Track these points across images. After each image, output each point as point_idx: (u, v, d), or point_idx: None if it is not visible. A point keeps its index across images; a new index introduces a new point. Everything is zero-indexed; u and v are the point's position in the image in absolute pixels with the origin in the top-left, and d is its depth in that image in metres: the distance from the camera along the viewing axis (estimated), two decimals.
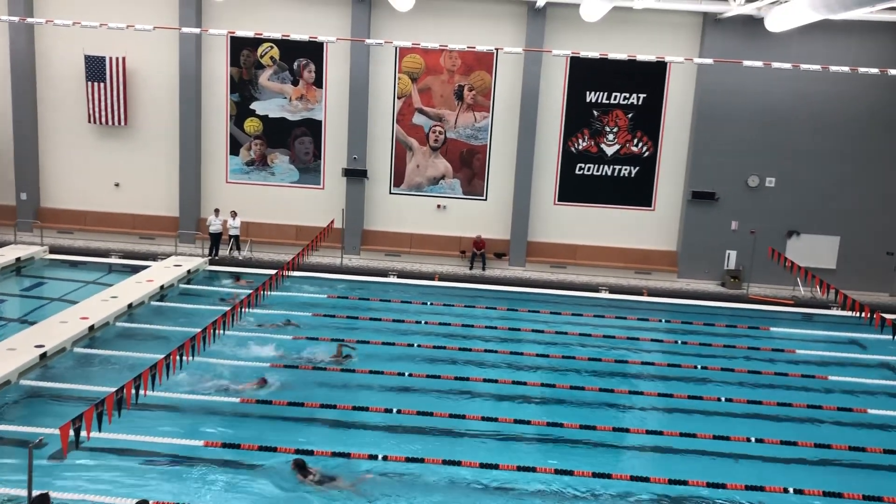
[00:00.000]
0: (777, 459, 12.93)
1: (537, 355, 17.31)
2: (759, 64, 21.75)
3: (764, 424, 14.34)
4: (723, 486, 11.75)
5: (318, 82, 25.18)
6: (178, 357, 12.33)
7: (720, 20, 23.43)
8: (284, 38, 22.88)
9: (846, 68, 21.54)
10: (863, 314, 17.87)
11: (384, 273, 23.84)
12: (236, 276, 22.62)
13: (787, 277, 23.39)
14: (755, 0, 21.16)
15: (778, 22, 21.43)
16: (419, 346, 17.57)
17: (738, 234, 24.53)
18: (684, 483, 11.79)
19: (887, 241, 24.30)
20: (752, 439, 13.47)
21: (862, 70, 21.54)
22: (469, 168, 25.36)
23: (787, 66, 21.55)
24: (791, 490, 11.71)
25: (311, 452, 12.09)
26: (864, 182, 24.06)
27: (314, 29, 23.75)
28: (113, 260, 23.46)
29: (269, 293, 17.86)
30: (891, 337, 17.30)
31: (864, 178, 24.04)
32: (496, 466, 11.99)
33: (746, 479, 11.97)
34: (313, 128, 25.46)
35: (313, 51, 24.80)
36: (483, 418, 13.77)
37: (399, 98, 25.09)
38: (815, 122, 23.87)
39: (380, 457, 12.09)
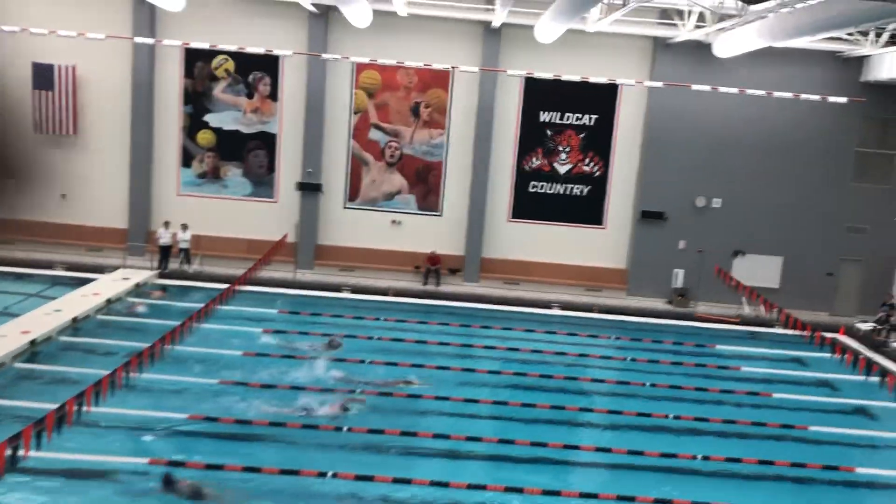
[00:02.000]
0: (722, 475, 13.22)
1: (489, 372, 17.41)
2: (706, 88, 22.33)
3: (710, 441, 14.64)
4: (669, 503, 11.96)
5: (274, 96, 25.07)
6: (123, 374, 12.13)
7: (670, 45, 24.01)
8: (240, 50, 22.79)
9: (789, 94, 22.28)
10: (804, 332, 18.43)
11: (338, 288, 23.74)
12: (162, 288, 22.33)
13: (733, 296, 23.97)
14: (703, 26, 21.75)
15: (725, 48, 22.06)
16: (371, 362, 17.52)
17: (685, 253, 25.05)
18: (632, 499, 11.97)
19: (827, 261, 25.06)
20: (699, 456, 13.74)
21: (804, 96, 22.31)
22: (424, 184, 25.46)
23: (734, 90, 22.19)
24: None
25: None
26: (805, 204, 24.80)
27: (270, 42, 23.67)
28: (57, 272, 22.91)
29: (219, 307, 17.69)
30: (830, 355, 17.85)
31: (805, 200, 24.78)
32: (447, 484, 12.02)
33: (693, 495, 12.20)
34: (268, 141, 25.31)
35: (269, 64, 24.69)
36: (435, 435, 13.78)
37: (355, 113, 25.10)
38: (759, 146, 24.56)
39: (329, 474, 12.02)
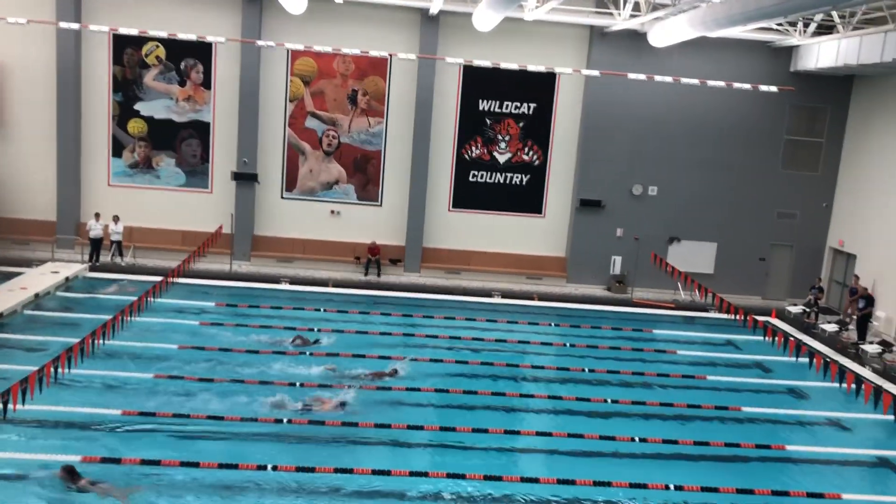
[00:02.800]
0: (660, 457, 13.45)
1: (431, 360, 17.36)
2: (642, 77, 22.64)
3: (648, 424, 14.89)
4: (608, 485, 12.12)
5: (207, 83, 24.48)
6: (52, 369, 11.69)
7: (606, 34, 24.27)
8: (171, 37, 22.16)
9: (722, 83, 22.75)
10: (737, 316, 18.89)
11: (276, 280, 23.38)
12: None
13: (669, 282, 24.46)
14: (639, 16, 22.03)
15: (660, 37, 22.40)
16: (311, 354, 17.30)
17: (623, 240, 25.43)
18: (572, 483, 12.08)
19: (760, 247, 25.76)
20: (637, 438, 13.95)
21: (736, 85, 22.82)
22: (363, 173, 25.23)
23: (669, 79, 22.56)
24: (672, 486, 12.19)
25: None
26: (738, 191, 25.42)
27: (202, 29, 23.09)
28: None
29: (153, 300, 17.22)
30: (762, 338, 18.34)
31: (738, 187, 25.41)
32: (388, 472, 11.94)
33: (631, 477, 12.39)
34: (201, 130, 24.72)
35: (202, 51, 24.10)
36: (377, 425, 13.69)
37: (291, 101, 24.70)
38: (693, 134, 25.07)
39: (269, 467, 11.82)
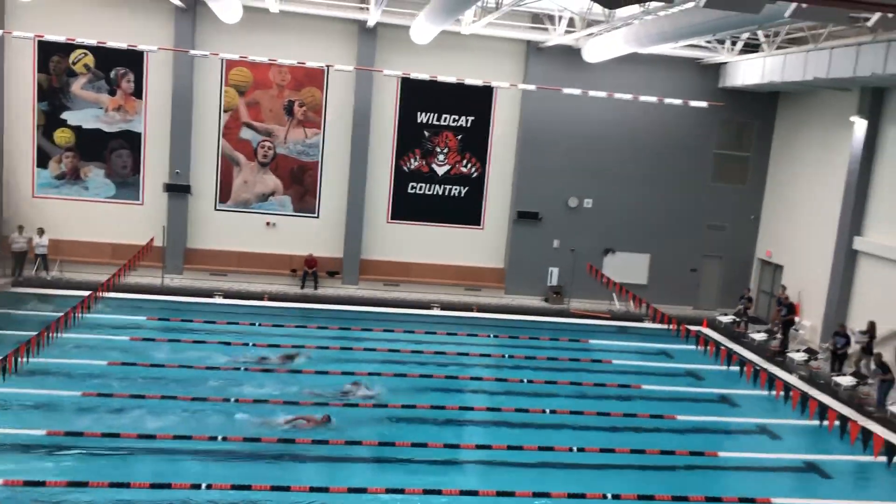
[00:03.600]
0: (597, 466, 13.60)
1: (370, 374, 17.22)
2: (577, 92, 23.03)
3: (585, 433, 15.05)
4: (547, 496, 12.18)
5: (138, 93, 23.89)
6: None
7: (542, 49, 24.61)
8: (100, 45, 21.55)
9: (654, 98, 23.31)
10: (670, 326, 19.31)
11: (209, 293, 22.89)
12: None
13: (604, 292, 24.84)
14: (573, 31, 22.40)
15: (594, 53, 22.84)
16: (246, 369, 16.98)
17: (559, 252, 25.73)
18: (512, 494, 12.11)
19: (691, 258, 26.39)
20: (575, 448, 14.09)
21: (667, 100, 23.40)
22: (300, 185, 24.95)
23: (603, 94, 23.00)
24: (609, 496, 12.33)
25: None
26: (670, 204, 26.01)
27: (134, 37, 22.52)
28: None
29: (80, 316, 16.68)
30: (694, 347, 18.78)
31: (670, 200, 26.00)
32: (326, 489, 11.77)
33: (569, 487, 12.48)
34: (132, 140, 24.08)
35: (133, 60, 23.51)
36: (314, 442, 13.49)
37: (225, 111, 24.29)
38: (628, 148, 25.57)
39: (203, 486, 11.51)
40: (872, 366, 18.14)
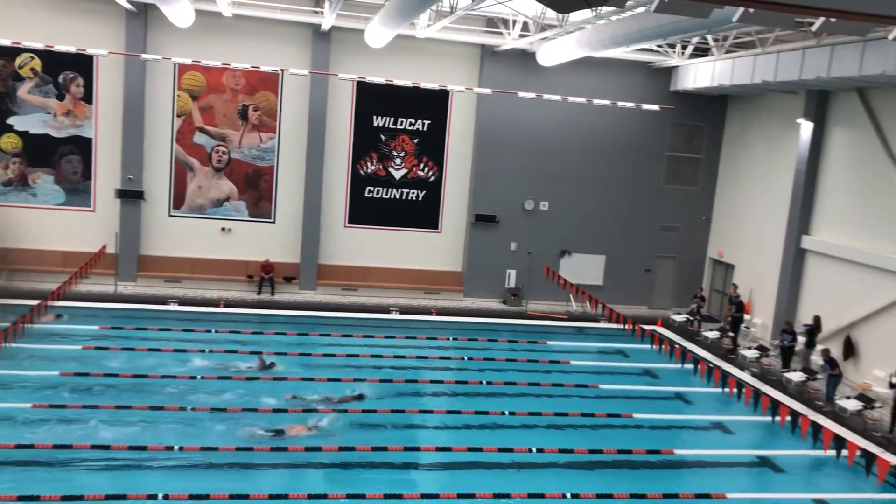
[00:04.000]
0: (556, 466, 13.73)
1: (328, 380, 17.13)
2: (532, 95, 23.24)
3: (544, 434, 15.18)
4: (507, 497, 12.26)
5: (88, 97, 23.44)
6: None
7: (497, 53, 24.78)
8: (48, 48, 21.11)
9: (607, 102, 23.64)
10: (626, 326, 19.60)
11: (164, 301, 22.54)
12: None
13: (561, 294, 25.10)
14: (528, 35, 22.60)
15: (548, 57, 23.08)
16: (202, 377, 16.75)
17: (517, 254, 25.92)
18: (472, 496, 12.16)
19: (645, 259, 26.80)
20: (534, 449, 14.20)
21: (620, 104, 23.76)
22: (255, 190, 24.72)
23: (557, 97, 23.26)
24: (568, 495, 12.46)
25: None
26: (624, 206, 26.39)
27: (83, 41, 22.10)
28: None
29: (30, 325, 16.30)
30: (650, 346, 19.08)
31: (624, 202, 26.37)
32: (286, 496, 11.68)
33: (529, 487, 12.58)
34: (82, 146, 23.62)
35: (82, 64, 23.06)
36: (272, 449, 13.37)
37: (178, 116, 23.96)
38: (582, 151, 25.88)
39: (160, 496, 11.34)
40: (820, 361, 18.62)
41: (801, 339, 20.24)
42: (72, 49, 21.16)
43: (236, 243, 24.71)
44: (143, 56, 22.30)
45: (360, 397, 16.11)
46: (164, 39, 23.21)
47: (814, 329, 20.20)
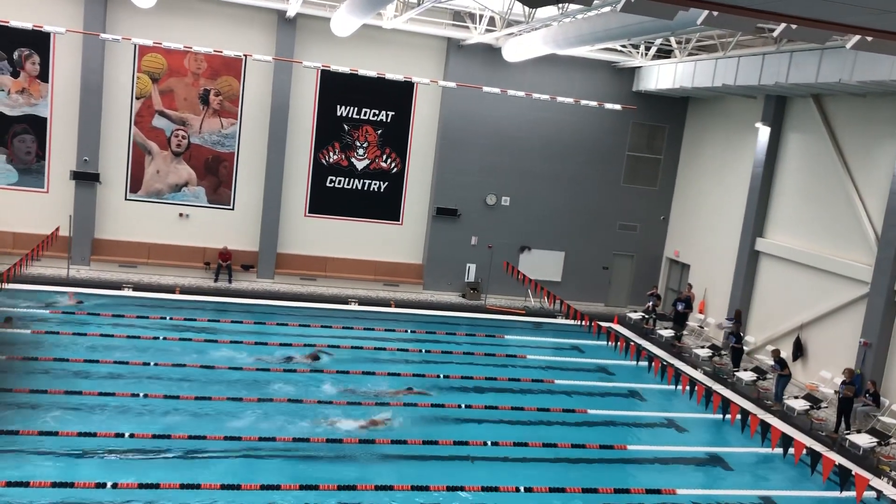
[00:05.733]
0: (510, 460, 13.81)
1: (284, 370, 17.00)
2: (496, 90, 23.29)
3: (499, 427, 15.26)
4: (461, 489, 12.31)
5: (44, 76, 22.86)
6: None
7: (463, 46, 24.77)
8: (3, 24, 20.52)
9: (570, 100, 23.80)
10: (583, 322, 19.79)
11: (118, 286, 22.14)
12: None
13: (520, 289, 25.26)
14: (494, 31, 22.64)
15: (513, 52, 23.13)
16: (156, 364, 16.50)
17: (477, 248, 25.99)
18: (426, 489, 12.18)
19: (603, 256, 27.08)
20: (489, 442, 14.27)
21: (583, 102, 23.94)
22: (215, 176, 24.38)
23: (521, 94, 23.35)
24: (522, 489, 12.56)
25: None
26: (584, 203, 26.62)
27: (40, 17, 21.55)
28: None
29: None
30: (606, 343, 19.30)
31: (584, 199, 26.60)
32: (238, 487, 11.58)
33: (483, 480, 12.64)
34: (37, 125, 23.03)
35: (38, 41, 22.47)
36: (226, 438, 13.24)
37: (138, 98, 23.51)
38: (544, 148, 26.01)
39: (108, 484, 11.15)
40: (771, 361, 19.03)
41: (720, 329, 22.17)
42: (28, 25, 20.60)
43: (194, 229, 24.35)
44: (103, 35, 21.81)
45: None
46: (125, 19, 22.73)
47: (736, 322, 21.43)
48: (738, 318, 21.57)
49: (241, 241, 24.66)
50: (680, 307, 23.26)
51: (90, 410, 13.79)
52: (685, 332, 23.04)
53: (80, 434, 12.70)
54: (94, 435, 12.76)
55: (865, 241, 18.47)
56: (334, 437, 13.77)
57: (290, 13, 22.86)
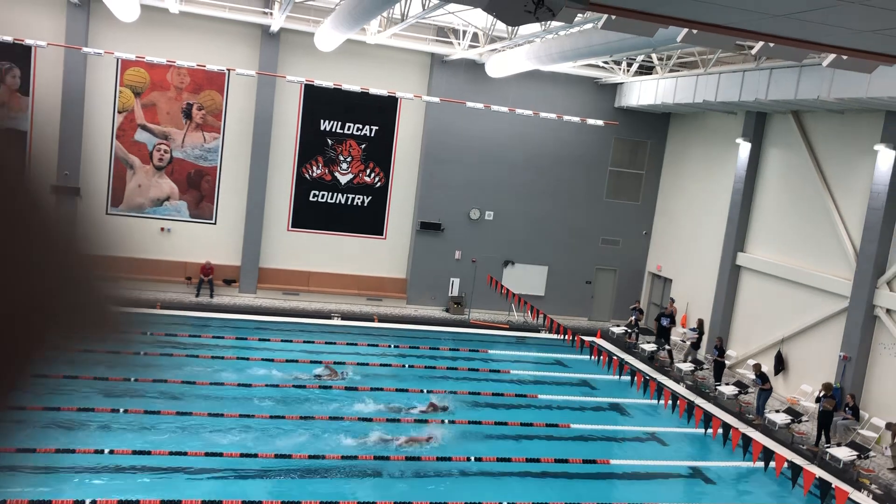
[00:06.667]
0: (493, 474, 13.78)
1: (266, 385, 16.90)
2: (480, 106, 23.40)
3: (483, 442, 15.23)
4: None
5: (25, 89, 22.73)
6: None
7: (446, 62, 24.89)
8: None
9: (553, 115, 23.95)
10: (566, 337, 19.83)
11: None
12: None
13: (503, 303, 25.28)
14: (477, 46, 22.78)
15: (497, 68, 23.29)
16: (136, 380, 16.34)
17: (461, 262, 26.02)
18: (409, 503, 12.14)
19: (586, 271, 27.20)
20: (472, 458, 14.23)
21: (566, 118, 24.10)
22: (197, 190, 24.29)
23: (505, 109, 23.47)
24: (505, 503, 12.52)
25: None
26: (567, 218, 26.75)
27: (21, 30, 21.44)
28: None
29: None
30: (589, 357, 19.34)
31: (567, 214, 26.73)
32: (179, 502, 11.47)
33: (466, 496, 12.59)
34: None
35: (19, 54, 22.36)
36: (207, 454, 13.12)
37: (120, 112, 23.42)
38: (527, 162, 26.15)
39: (87, 502, 11.01)
40: (752, 375, 19.14)
41: (683, 341, 22.85)
42: (8, 39, 20.51)
43: (175, 244, 24.21)
44: (85, 49, 21.74)
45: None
46: (108, 33, 22.67)
47: (699, 331, 22.38)
48: (701, 326, 22.34)
49: (224, 255, 24.54)
50: (665, 322, 23.35)
51: (69, 427, 13.62)
52: (670, 347, 23.11)
53: (57, 451, 12.55)
54: (73, 451, 12.60)
55: (844, 256, 18.67)
56: (315, 453, 13.67)
57: (274, 28, 22.89)
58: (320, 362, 18.89)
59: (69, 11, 22.32)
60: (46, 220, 0.82)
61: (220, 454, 13.17)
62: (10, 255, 0.77)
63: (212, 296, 23.96)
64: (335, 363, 18.66)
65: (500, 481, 13.58)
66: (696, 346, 22.43)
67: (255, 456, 13.29)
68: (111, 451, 12.82)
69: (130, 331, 0.90)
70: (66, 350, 0.85)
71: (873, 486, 14.79)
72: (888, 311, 17.35)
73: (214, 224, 24.54)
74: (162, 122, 23.72)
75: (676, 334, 23.88)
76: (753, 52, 16.05)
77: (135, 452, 12.89)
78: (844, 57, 9.38)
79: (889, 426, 16.29)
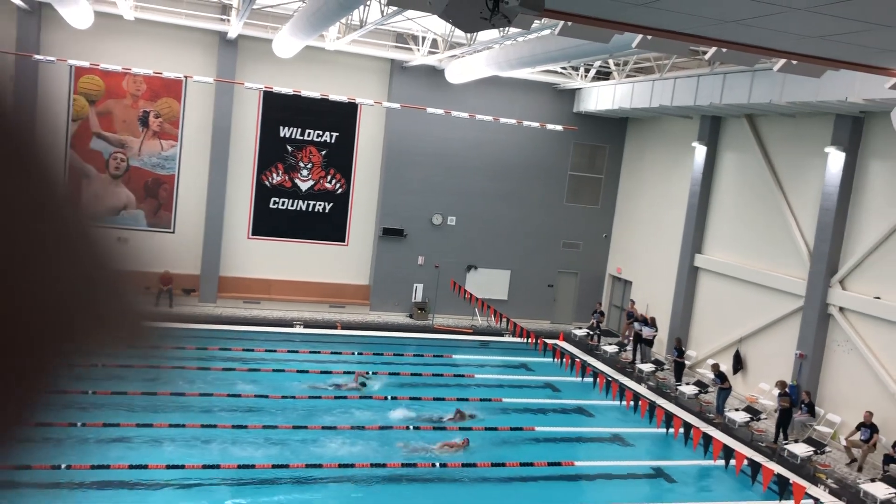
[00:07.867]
0: (460, 480, 13.79)
1: (229, 395, 16.71)
2: (440, 111, 23.47)
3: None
4: None
5: None
6: None
7: (406, 68, 24.92)
8: None
9: (513, 121, 24.11)
10: (529, 340, 19.95)
11: None
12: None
13: (467, 308, 25.33)
14: (437, 52, 22.86)
15: (457, 74, 23.39)
16: (94, 392, 16.02)
17: (424, 268, 26.02)
18: None
19: (548, 274, 27.38)
20: (437, 464, 14.23)
21: (526, 123, 24.28)
22: (155, 198, 23.95)
23: (465, 115, 23.57)
24: None
25: None
26: (529, 222, 26.92)
27: None
28: None
29: None
30: (552, 360, 19.48)
31: (529, 219, 26.90)
32: None
33: (433, 501, 12.59)
34: None
35: None
36: (168, 466, 12.94)
37: (74, 121, 23.00)
38: (488, 168, 26.27)
39: None
40: (712, 375, 19.45)
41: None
42: None
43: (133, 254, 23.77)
44: (36, 57, 21.31)
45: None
46: (60, 40, 22.23)
47: (653, 327, 22.85)
48: (654, 323, 22.78)
49: (183, 264, 24.19)
50: (644, 331, 22.90)
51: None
52: (628, 347, 23.35)
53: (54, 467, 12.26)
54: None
55: (798, 256, 19.09)
56: (280, 462, 13.56)
57: (232, 35, 22.70)
58: (283, 370, 18.75)
59: (20, 18, 21.88)
60: (87, 233, 0.84)
61: (182, 466, 12.98)
62: (52, 274, 0.79)
63: (171, 306, 23.53)
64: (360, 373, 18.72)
65: (466, 486, 13.59)
66: (649, 344, 22.92)
67: (218, 467, 13.14)
68: (68, 467, 12.56)
69: (160, 345, 0.91)
70: (90, 363, 0.86)
71: (829, 481, 15.12)
72: (841, 309, 17.78)
73: (173, 232, 24.21)
74: (118, 131, 23.36)
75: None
76: (707, 57, 16.38)
77: (93, 467, 12.65)
78: (794, 62, 9.62)
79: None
